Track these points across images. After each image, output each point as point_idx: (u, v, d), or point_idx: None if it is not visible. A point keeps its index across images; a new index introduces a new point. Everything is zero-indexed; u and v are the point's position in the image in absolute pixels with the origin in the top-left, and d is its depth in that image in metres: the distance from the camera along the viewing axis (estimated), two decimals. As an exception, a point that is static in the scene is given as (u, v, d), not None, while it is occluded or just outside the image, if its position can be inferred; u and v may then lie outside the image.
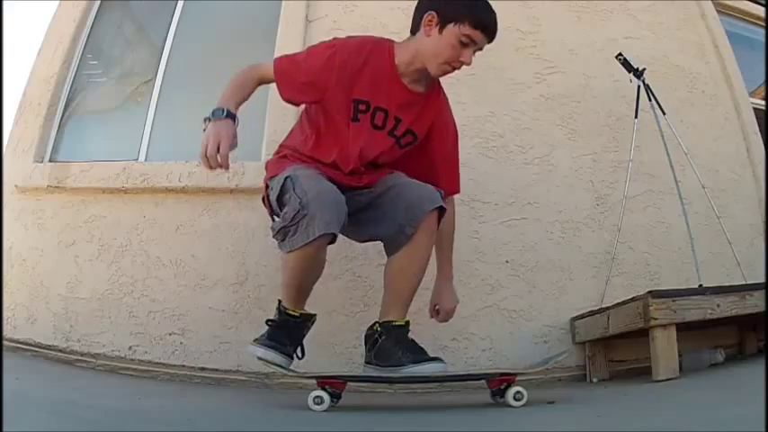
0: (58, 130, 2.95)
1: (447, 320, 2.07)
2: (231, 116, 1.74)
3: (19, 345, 2.54)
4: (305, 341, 1.84)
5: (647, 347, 1.98)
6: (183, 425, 1.38)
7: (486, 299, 2.47)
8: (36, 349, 2.52)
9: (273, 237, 1.72)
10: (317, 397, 1.59)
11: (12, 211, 2.78)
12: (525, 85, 2.82)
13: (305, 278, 1.74)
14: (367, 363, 1.78)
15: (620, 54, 2.74)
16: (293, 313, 1.76)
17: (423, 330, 2.39)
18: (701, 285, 2.37)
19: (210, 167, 1.67)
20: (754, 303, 2.06)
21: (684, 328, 2.01)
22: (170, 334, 2.42)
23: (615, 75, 2.84)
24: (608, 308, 2.26)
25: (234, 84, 1.82)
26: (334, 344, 2.33)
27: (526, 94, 2.81)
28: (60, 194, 2.72)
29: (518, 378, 1.69)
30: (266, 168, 1.95)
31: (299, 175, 1.68)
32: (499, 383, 1.69)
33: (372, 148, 1.85)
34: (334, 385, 1.64)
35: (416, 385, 2.29)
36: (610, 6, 3.11)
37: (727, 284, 2.27)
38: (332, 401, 1.62)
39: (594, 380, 2.36)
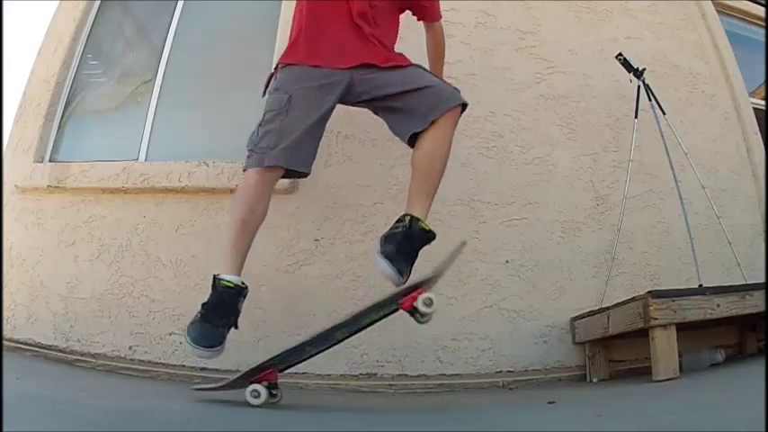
0: (58, 130, 2.95)
1: None
2: None
3: (19, 345, 2.54)
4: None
5: (647, 347, 1.98)
6: (182, 425, 1.38)
7: (486, 299, 2.47)
8: (36, 349, 2.52)
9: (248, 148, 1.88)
10: (254, 391, 1.65)
11: (12, 211, 2.79)
12: (525, 85, 2.82)
13: (245, 211, 1.81)
14: (382, 236, 1.86)
15: (620, 54, 2.74)
16: (228, 284, 1.75)
17: (423, 330, 2.40)
18: (700, 285, 2.37)
19: None
20: (754, 303, 2.06)
21: (684, 328, 2.01)
22: (170, 334, 2.42)
23: (615, 75, 2.84)
24: (608, 308, 2.26)
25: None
26: (334, 344, 2.33)
27: (526, 94, 2.80)
28: (60, 194, 2.72)
29: (428, 287, 1.76)
30: None
31: (293, 101, 1.87)
32: (411, 302, 1.69)
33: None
34: (264, 378, 1.67)
35: (416, 385, 2.29)
36: (610, 6, 3.11)
37: (727, 284, 2.27)
38: (271, 394, 1.67)
39: (594, 380, 2.36)
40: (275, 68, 2.05)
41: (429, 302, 1.68)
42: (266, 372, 1.70)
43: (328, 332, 1.80)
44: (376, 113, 2.11)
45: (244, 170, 1.88)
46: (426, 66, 2.21)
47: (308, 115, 1.89)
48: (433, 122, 1.89)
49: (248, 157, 1.87)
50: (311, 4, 2.01)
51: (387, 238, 1.82)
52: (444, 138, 1.92)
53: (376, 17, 2.01)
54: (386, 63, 1.97)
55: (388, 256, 1.75)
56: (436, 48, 2.33)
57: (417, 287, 1.73)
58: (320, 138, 1.98)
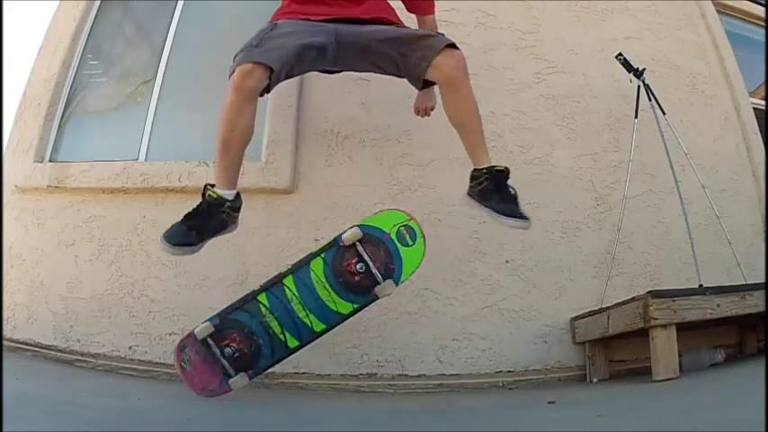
0: (58, 130, 2.95)
1: (426, 115, 2.38)
2: None
3: (19, 345, 2.54)
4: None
5: (647, 347, 1.98)
6: (181, 425, 1.38)
7: (486, 299, 2.47)
8: (36, 349, 2.52)
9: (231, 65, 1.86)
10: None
11: (12, 211, 2.79)
12: (525, 85, 2.82)
13: (228, 130, 1.83)
14: (469, 195, 2.02)
15: (620, 54, 2.74)
16: (211, 193, 1.86)
17: (423, 330, 2.41)
18: (701, 285, 2.37)
19: None
20: (754, 303, 2.06)
21: (684, 328, 2.01)
22: (170, 334, 2.42)
23: (615, 75, 2.84)
24: (608, 308, 2.26)
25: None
26: (334, 344, 2.33)
27: (526, 94, 2.80)
28: (60, 194, 2.72)
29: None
30: None
31: (278, 25, 1.92)
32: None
33: None
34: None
35: (416, 385, 2.29)
36: (610, 6, 3.11)
37: (727, 284, 2.27)
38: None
39: (594, 380, 2.36)
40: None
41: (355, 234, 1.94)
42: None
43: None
44: (379, 68, 2.09)
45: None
46: None
47: (295, 35, 1.90)
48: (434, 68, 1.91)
49: (229, 78, 1.88)
50: None
51: (483, 196, 1.95)
52: (465, 96, 1.97)
53: None
54: (368, 15, 2.02)
55: (508, 213, 1.89)
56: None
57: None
58: (304, 64, 1.97)
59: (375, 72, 2.13)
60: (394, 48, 1.96)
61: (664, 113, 2.72)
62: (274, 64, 1.82)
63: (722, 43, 3.31)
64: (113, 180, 2.64)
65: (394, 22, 2.09)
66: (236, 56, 1.87)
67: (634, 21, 3.14)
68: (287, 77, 1.95)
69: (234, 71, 1.81)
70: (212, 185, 1.88)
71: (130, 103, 3.02)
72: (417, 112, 2.38)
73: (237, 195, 1.93)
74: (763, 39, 3.60)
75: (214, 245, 2.50)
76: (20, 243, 2.71)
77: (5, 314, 2.59)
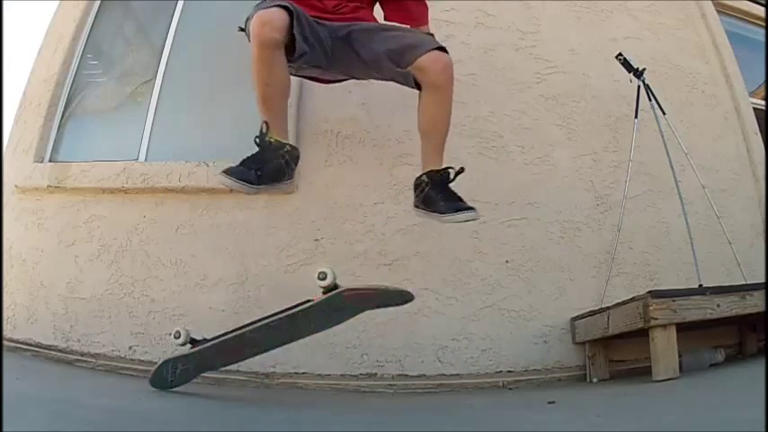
0: (58, 130, 2.95)
1: None
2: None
3: (19, 345, 2.54)
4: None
5: (647, 347, 1.98)
6: (182, 425, 1.38)
7: (486, 299, 2.47)
8: (36, 349, 2.52)
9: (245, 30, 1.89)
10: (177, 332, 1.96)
11: (12, 211, 2.79)
12: (525, 85, 2.82)
13: (263, 83, 1.82)
14: (415, 206, 1.98)
15: (620, 54, 2.74)
16: (269, 139, 1.84)
17: (423, 330, 2.41)
18: (700, 285, 2.37)
19: None
20: (754, 303, 2.06)
21: (684, 328, 2.01)
22: (170, 334, 2.41)
23: (615, 75, 2.84)
24: (608, 308, 2.26)
25: None
26: (334, 344, 2.33)
27: (526, 94, 2.80)
28: (60, 194, 2.72)
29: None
30: None
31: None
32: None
33: None
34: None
35: (416, 385, 2.29)
36: (610, 6, 3.11)
37: (727, 284, 2.27)
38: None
39: (594, 380, 2.36)
40: None
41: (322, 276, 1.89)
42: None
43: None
44: (368, 67, 2.06)
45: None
46: None
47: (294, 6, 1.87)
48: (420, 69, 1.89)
49: (245, 29, 1.89)
50: None
51: (427, 203, 1.92)
52: (442, 103, 1.96)
53: (352, 6, 2.05)
54: (354, 20, 2.01)
55: (452, 209, 1.85)
56: None
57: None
58: (313, 38, 1.91)
59: (365, 75, 2.12)
60: (382, 38, 1.95)
61: (664, 113, 2.72)
62: (291, 7, 1.77)
63: (722, 43, 3.31)
64: (113, 180, 2.64)
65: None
66: (248, 18, 1.87)
67: (634, 21, 3.14)
68: (302, 52, 1.86)
69: (252, 24, 1.78)
70: (268, 133, 1.84)
71: (130, 103, 3.03)
72: None
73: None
74: (763, 39, 3.60)
75: (214, 244, 2.53)
76: (20, 243, 2.71)
77: (5, 314, 2.59)
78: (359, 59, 2.01)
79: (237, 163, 1.82)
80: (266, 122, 1.83)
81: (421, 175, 1.97)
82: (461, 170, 1.95)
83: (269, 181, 1.83)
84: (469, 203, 2.55)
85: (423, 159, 2.01)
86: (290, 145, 1.90)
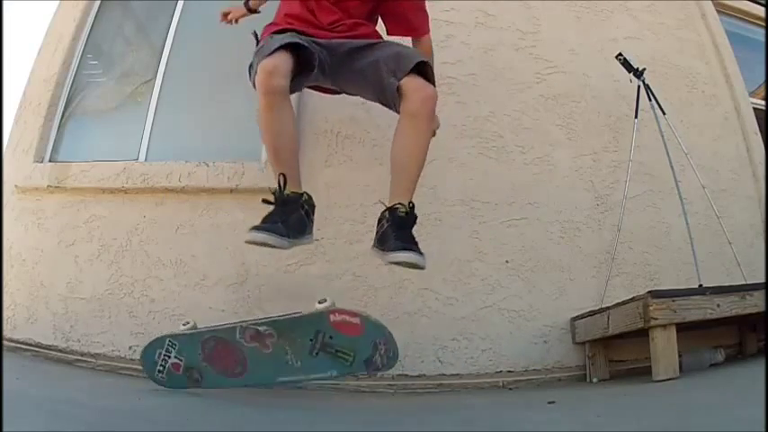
0: (58, 130, 2.95)
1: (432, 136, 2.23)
2: (247, 5, 2.32)
3: (19, 345, 2.54)
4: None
5: (647, 347, 1.98)
6: (181, 425, 1.38)
7: (486, 299, 2.47)
8: (36, 349, 2.52)
9: (250, 78, 1.87)
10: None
11: (12, 211, 2.79)
12: (525, 85, 2.82)
13: (272, 136, 1.80)
14: (372, 247, 1.85)
15: (620, 54, 2.74)
16: (287, 192, 1.79)
17: (423, 330, 2.41)
18: (700, 285, 2.37)
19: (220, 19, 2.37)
20: (754, 303, 2.06)
21: (684, 328, 2.01)
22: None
23: (615, 75, 2.84)
24: (608, 308, 2.26)
25: None
26: (334, 344, 2.33)
27: (526, 94, 2.80)
28: (60, 194, 2.72)
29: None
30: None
31: (271, 37, 1.89)
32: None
33: None
34: None
35: (416, 385, 2.29)
36: (610, 6, 3.11)
37: (727, 284, 2.27)
38: None
39: (594, 380, 2.36)
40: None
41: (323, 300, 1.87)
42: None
43: None
44: (355, 84, 2.06)
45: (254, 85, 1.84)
46: None
47: (293, 35, 1.87)
48: (403, 94, 1.82)
49: (250, 80, 1.86)
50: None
51: (382, 241, 1.80)
52: (418, 135, 1.87)
53: (348, 21, 2.02)
54: (351, 38, 1.98)
55: (398, 247, 1.71)
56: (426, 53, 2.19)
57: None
58: (315, 56, 1.89)
59: (360, 90, 2.09)
60: (381, 47, 1.93)
61: (664, 113, 2.72)
62: (293, 41, 1.77)
63: (722, 43, 3.31)
64: (113, 180, 2.64)
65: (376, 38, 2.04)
66: (250, 66, 1.86)
67: (634, 21, 3.13)
68: (308, 71, 1.87)
69: (256, 76, 1.76)
70: (284, 187, 1.79)
71: (130, 103, 3.03)
72: None
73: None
74: (763, 39, 3.60)
75: (214, 244, 2.53)
76: (20, 243, 2.71)
77: (5, 314, 2.59)
78: (355, 73, 1.98)
79: (261, 221, 1.75)
80: (283, 175, 1.78)
81: (384, 211, 1.85)
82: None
83: (295, 233, 1.77)
84: (470, 205, 2.58)
85: (390, 193, 1.88)
86: (306, 194, 1.86)
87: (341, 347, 1.78)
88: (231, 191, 2.57)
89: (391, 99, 1.89)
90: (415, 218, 1.82)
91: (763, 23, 3.64)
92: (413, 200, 1.86)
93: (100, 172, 2.67)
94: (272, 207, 1.76)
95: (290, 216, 1.76)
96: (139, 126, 2.83)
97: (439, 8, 2.70)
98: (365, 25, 2.05)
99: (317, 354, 1.81)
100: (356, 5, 2.03)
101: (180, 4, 3.05)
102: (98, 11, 3.19)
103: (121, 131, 2.95)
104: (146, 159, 2.76)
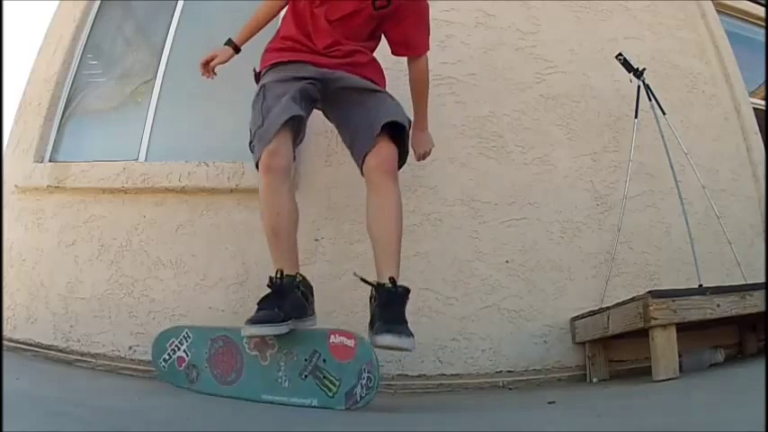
0: (58, 130, 2.95)
1: (424, 159, 2.33)
2: (231, 44, 2.14)
3: (19, 345, 2.54)
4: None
5: (647, 347, 1.98)
6: (182, 425, 1.38)
7: (486, 299, 2.47)
8: (36, 349, 2.52)
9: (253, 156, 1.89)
10: None
11: (12, 211, 2.78)
12: (525, 85, 2.82)
13: (271, 216, 1.83)
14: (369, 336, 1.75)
15: (620, 54, 2.74)
16: (280, 276, 1.82)
17: (423, 330, 2.40)
18: (700, 285, 2.37)
19: (202, 72, 2.13)
20: (754, 303, 2.06)
21: (684, 328, 2.01)
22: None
23: (615, 75, 2.84)
24: (608, 308, 2.26)
25: (251, 18, 2.10)
26: (334, 344, 2.33)
27: (526, 94, 2.80)
28: (60, 194, 2.72)
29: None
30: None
31: (267, 89, 1.92)
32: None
33: (341, 5, 1.97)
34: None
35: (416, 385, 2.29)
36: (610, 6, 3.11)
37: (727, 284, 2.27)
38: None
39: (594, 380, 2.36)
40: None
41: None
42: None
43: None
44: (335, 121, 2.13)
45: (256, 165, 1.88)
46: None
47: (285, 91, 1.89)
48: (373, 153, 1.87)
49: (254, 159, 1.89)
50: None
51: (370, 323, 1.75)
52: (387, 193, 1.86)
53: (345, 44, 2.02)
54: (347, 68, 1.99)
55: (386, 330, 1.64)
56: (418, 83, 2.20)
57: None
58: (307, 109, 1.97)
59: (336, 127, 2.15)
60: (356, 110, 1.95)
61: (664, 113, 2.72)
62: (291, 115, 1.82)
63: (722, 43, 3.31)
64: (113, 180, 2.64)
65: (377, 81, 2.06)
66: (251, 143, 1.89)
67: (634, 21, 3.13)
68: (308, 113, 1.97)
69: (261, 162, 1.81)
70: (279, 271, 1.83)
71: (130, 103, 3.03)
72: (418, 158, 2.30)
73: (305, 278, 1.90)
74: (763, 39, 3.60)
75: (214, 244, 2.53)
76: (20, 243, 2.71)
77: (5, 314, 2.59)
78: (338, 115, 2.06)
79: (255, 311, 1.78)
80: (281, 270, 1.81)
81: (372, 290, 1.78)
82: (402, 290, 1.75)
83: (293, 315, 1.79)
84: (470, 205, 2.58)
85: (376, 268, 1.83)
86: (300, 275, 1.87)
87: (329, 374, 1.76)
88: (231, 191, 2.57)
89: (356, 159, 1.96)
90: (406, 292, 1.76)
91: (763, 23, 3.64)
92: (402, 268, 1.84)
93: (100, 172, 2.67)
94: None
95: (285, 300, 1.78)
96: (139, 126, 2.83)
97: (439, 8, 2.70)
98: (362, 52, 2.04)
99: (305, 377, 1.80)
100: (355, 27, 2.02)
101: (180, 4, 3.05)
102: (98, 11, 3.18)
103: (121, 131, 2.95)
104: (146, 159, 2.76)
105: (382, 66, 2.16)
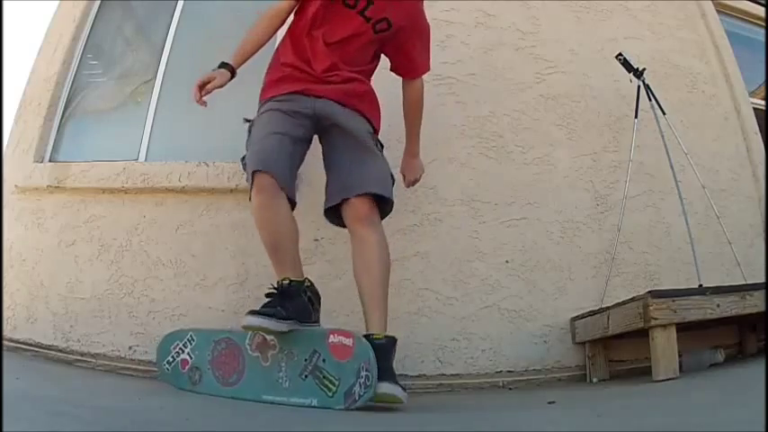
0: (58, 130, 2.95)
1: (413, 185, 2.31)
2: (228, 68, 1.97)
3: (19, 345, 2.54)
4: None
5: (647, 347, 1.98)
6: (181, 425, 1.38)
7: (486, 299, 2.47)
8: (36, 349, 2.52)
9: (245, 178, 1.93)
10: None
11: (12, 211, 2.79)
12: (525, 85, 2.82)
13: (269, 233, 1.85)
14: None
15: (620, 54, 2.74)
16: (284, 281, 1.84)
17: (423, 330, 2.41)
18: (700, 285, 2.37)
19: (195, 98, 1.92)
20: (754, 303, 2.06)
21: (684, 328, 2.01)
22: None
23: (615, 75, 2.83)
24: (608, 308, 2.26)
25: (244, 38, 2.02)
26: (334, 344, 2.33)
27: (526, 94, 2.80)
28: (60, 194, 2.72)
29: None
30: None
31: (257, 124, 1.95)
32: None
33: (339, 28, 1.94)
34: None
35: (416, 385, 2.29)
36: (610, 6, 3.11)
37: (727, 284, 2.27)
38: None
39: (594, 380, 2.36)
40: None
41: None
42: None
43: None
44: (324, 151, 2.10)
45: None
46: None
47: (276, 126, 1.90)
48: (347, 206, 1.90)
49: (246, 180, 1.91)
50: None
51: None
52: (365, 240, 1.89)
53: (344, 69, 2.00)
54: (342, 98, 1.98)
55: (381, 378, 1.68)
56: (413, 105, 2.19)
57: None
58: (296, 158, 1.97)
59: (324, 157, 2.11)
60: (342, 157, 1.95)
61: (664, 113, 2.72)
62: (262, 164, 1.82)
63: (722, 43, 3.31)
64: (113, 180, 2.64)
65: (371, 117, 2.05)
66: (243, 158, 1.93)
67: (634, 21, 3.13)
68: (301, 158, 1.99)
69: (251, 178, 1.82)
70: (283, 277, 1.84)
71: (130, 103, 3.03)
72: (407, 184, 2.30)
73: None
74: (763, 39, 3.60)
75: (214, 244, 2.53)
76: (20, 243, 2.71)
77: (5, 314, 2.59)
78: (326, 152, 2.04)
79: (261, 305, 1.79)
80: (287, 278, 1.83)
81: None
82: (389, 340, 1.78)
83: (296, 317, 1.79)
84: (470, 205, 2.58)
85: (364, 317, 1.85)
86: (308, 279, 1.89)
87: (329, 374, 1.76)
88: (231, 191, 2.57)
89: (329, 196, 1.99)
90: (393, 342, 1.78)
91: (763, 23, 3.64)
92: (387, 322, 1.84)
93: (100, 172, 2.67)
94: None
95: (290, 301, 1.79)
96: (139, 126, 2.83)
97: (439, 8, 2.70)
98: (359, 81, 2.02)
99: (305, 377, 1.80)
100: (354, 50, 1.99)
101: (180, 4, 3.05)
102: (98, 11, 3.18)
103: (121, 131, 2.95)
104: (146, 159, 2.76)
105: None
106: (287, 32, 2.08)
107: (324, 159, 2.07)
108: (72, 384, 2.02)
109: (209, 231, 2.54)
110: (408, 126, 2.22)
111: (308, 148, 2.04)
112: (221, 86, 1.93)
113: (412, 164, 2.27)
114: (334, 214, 2.00)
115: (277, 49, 2.13)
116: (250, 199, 1.89)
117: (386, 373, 1.70)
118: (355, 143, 1.97)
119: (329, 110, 1.96)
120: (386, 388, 1.67)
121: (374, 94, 2.11)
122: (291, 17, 2.09)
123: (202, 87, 1.91)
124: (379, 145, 2.05)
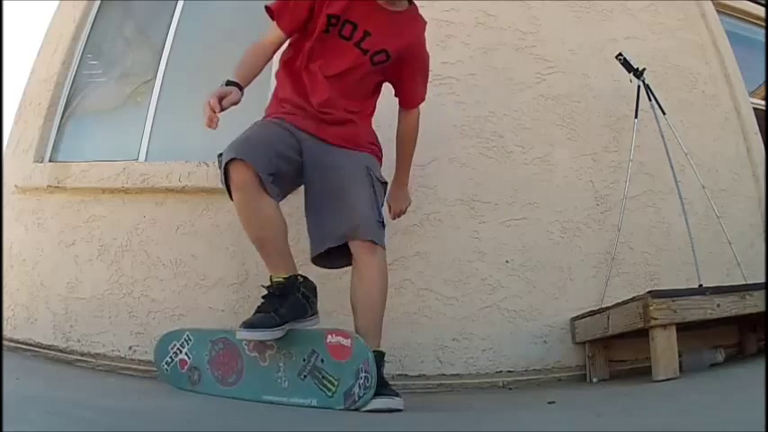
0: (58, 130, 2.95)
1: (399, 217, 2.27)
2: (237, 86, 1.85)
3: (19, 345, 2.54)
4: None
5: (647, 347, 1.98)
6: (182, 425, 1.38)
7: (486, 299, 2.47)
8: (36, 349, 2.52)
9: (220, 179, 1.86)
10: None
11: (12, 211, 2.79)
12: (525, 85, 2.81)
13: (253, 230, 1.81)
14: None
15: (620, 54, 2.74)
16: (277, 278, 1.82)
17: (423, 330, 2.41)
18: (700, 285, 2.37)
19: (207, 118, 1.81)
20: (754, 303, 2.06)
21: (684, 328, 2.01)
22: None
23: (615, 75, 2.83)
24: (608, 308, 2.26)
25: (240, 61, 1.96)
26: (334, 344, 2.33)
27: (526, 94, 2.80)
28: (60, 194, 2.72)
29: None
30: None
31: (264, 123, 1.92)
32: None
33: (336, 60, 1.90)
34: None
35: (416, 385, 2.29)
36: (610, 6, 3.11)
37: (727, 284, 2.27)
38: None
39: (594, 380, 2.36)
40: None
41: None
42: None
43: None
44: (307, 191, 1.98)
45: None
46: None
47: (269, 133, 1.87)
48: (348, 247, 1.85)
49: (221, 181, 1.83)
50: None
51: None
52: (365, 265, 1.86)
53: (341, 105, 1.95)
54: (341, 142, 1.94)
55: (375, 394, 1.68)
56: (407, 134, 2.16)
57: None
58: (283, 168, 1.86)
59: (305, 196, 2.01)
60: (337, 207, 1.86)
61: (664, 113, 2.72)
62: (241, 153, 1.74)
63: (722, 43, 3.31)
64: (113, 180, 2.64)
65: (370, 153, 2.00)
66: (219, 154, 1.84)
67: (634, 21, 3.13)
68: (285, 175, 1.85)
69: (225, 171, 1.76)
70: (272, 276, 1.82)
71: (130, 103, 3.03)
72: (393, 216, 2.25)
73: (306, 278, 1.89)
74: (763, 39, 3.60)
75: (214, 245, 2.53)
76: (20, 243, 2.71)
77: (5, 314, 2.60)
78: (310, 192, 1.94)
79: (254, 311, 1.78)
80: (278, 275, 1.81)
81: None
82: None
83: (292, 317, 1.78)
84: (470, 205, 2.58)
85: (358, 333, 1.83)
86: (302, 275, 1.86)
87: (328, 374, 1.76)
88: (231, 191, 2.56)
89: (313, 240, 1.93)
90: (382, 357, 1.80)
91: (763, 23, 3.63)
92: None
93: (100, 172, 2.67)
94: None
95: (284, 301, 1.78)
96: (139, 126, 2.83)
97: (439, 8, 2.70)
98: (354, 124, 1.98)
99: (305, 377, 1.80)
100: (353, 84, 1.95)
101: (180, 4, 3.05)
102: (98, 11, 3.18)
103: (121, 131, 2.96)
104: (146, 159, 2.76)
105: None
106: (283, 69, 2.02)
107: (306, 195, 1.98)
108: (72, 384, 2.02)
109: (209, 231, 2.54)
110: (400, 155, 2.18)
111: (295, 169, 1.93)
112: (236, 104, 1.83)
113: (399, 195, 2.23)
114: (326, 258, 1.95)
115: (276, 77, 2.08)
116: (228, 191, 1.80)
117: (377, 384, 1.70)
118: (340, 179, 1.90)
119: (318, 150, 1.92)
120: (379, 404, 1.67)
121: (370, 134, 2.07)
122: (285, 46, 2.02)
123: (218, 102, 1.80)
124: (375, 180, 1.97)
